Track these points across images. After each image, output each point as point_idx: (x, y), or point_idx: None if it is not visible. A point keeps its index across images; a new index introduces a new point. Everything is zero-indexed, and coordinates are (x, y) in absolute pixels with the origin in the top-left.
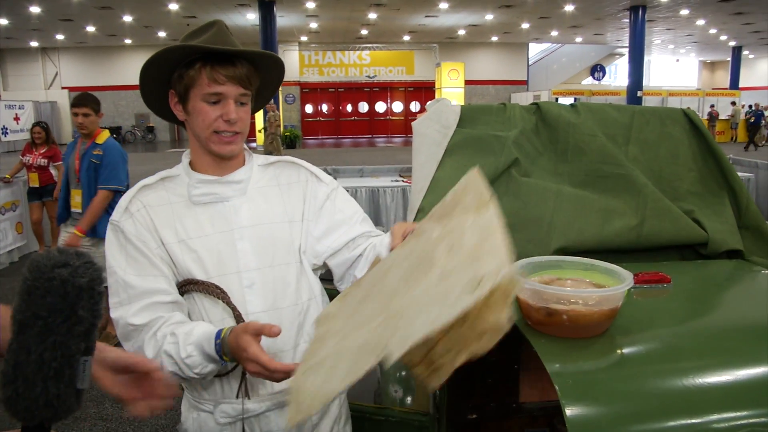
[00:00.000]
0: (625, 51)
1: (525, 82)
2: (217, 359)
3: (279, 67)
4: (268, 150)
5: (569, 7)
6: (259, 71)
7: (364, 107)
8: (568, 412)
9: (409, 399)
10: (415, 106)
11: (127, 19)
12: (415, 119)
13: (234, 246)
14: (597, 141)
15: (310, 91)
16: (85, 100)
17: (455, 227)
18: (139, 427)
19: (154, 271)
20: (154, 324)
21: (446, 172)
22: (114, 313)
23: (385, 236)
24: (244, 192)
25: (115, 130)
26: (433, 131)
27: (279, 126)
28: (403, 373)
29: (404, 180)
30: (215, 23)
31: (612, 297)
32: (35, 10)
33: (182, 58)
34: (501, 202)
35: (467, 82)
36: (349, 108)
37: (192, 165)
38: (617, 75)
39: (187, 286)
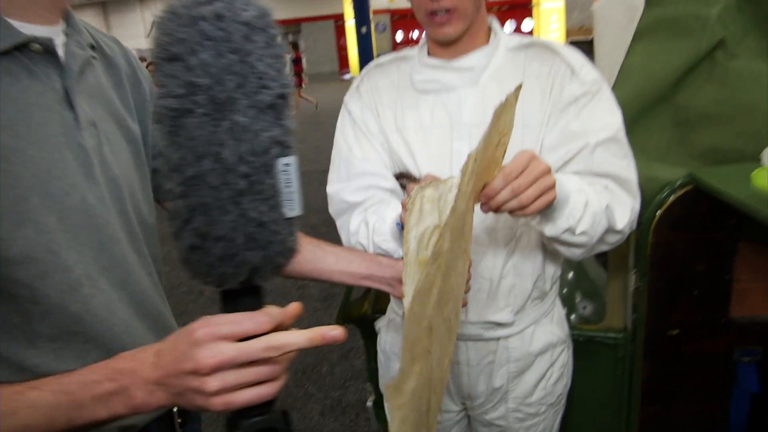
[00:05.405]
0: None
1: None
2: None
3: None
4: None
5: None
6: None
7: None
8: None
9: (590, 312)
10: (510, 26)
11: None
12: None
13: (450, 145)
14: None
15: (401, 18)
16: None
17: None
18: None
19: (375, 155)
20: (366, 202)
21: (637, 59)
22: (330, 187)
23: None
24: (475, 82)
25: None
26: (617, 15)
27: None
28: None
29: None
30: None
31: None
32: None
33: None
34: (703, 91)
35: None
36: None
37: (428, 48)
38: None
39: (401, 179)
